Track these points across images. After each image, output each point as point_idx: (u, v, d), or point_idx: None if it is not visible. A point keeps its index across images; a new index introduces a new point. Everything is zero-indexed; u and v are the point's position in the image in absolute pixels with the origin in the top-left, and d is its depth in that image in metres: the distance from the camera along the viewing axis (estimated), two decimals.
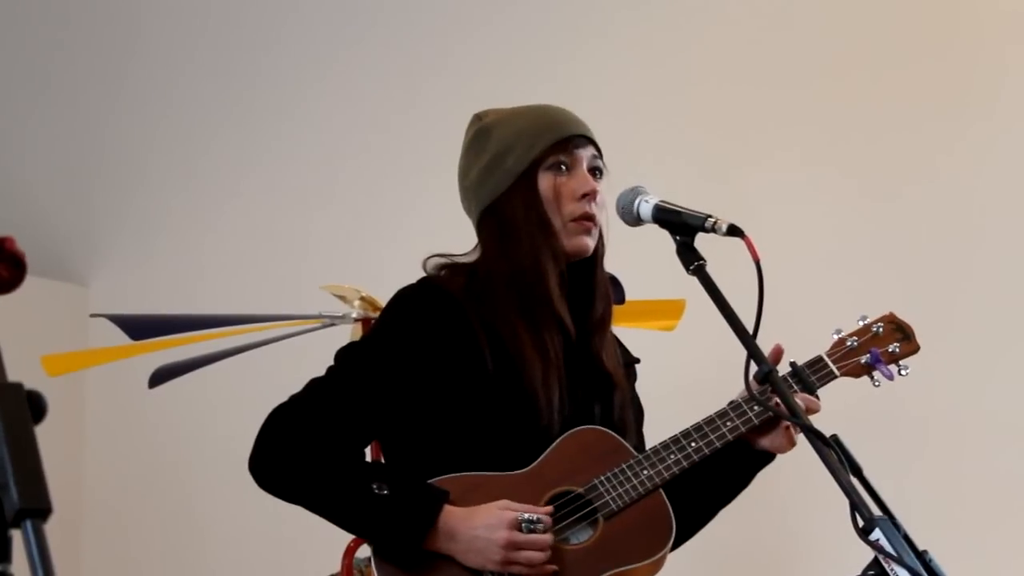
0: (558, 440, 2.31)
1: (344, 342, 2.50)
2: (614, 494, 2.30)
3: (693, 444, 2.34)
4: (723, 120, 4.28)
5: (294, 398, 2.33)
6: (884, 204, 4.07)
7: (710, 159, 4.27)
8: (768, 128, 4.23)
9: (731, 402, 2.39)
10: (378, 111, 4.86)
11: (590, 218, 2.37)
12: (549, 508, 2.27)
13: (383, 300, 2.48)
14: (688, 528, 2.42)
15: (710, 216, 2.16)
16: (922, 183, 4.03)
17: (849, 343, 2.45)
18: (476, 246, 2.44)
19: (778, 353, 2.36)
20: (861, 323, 2.48)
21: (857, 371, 2.45)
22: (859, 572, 1.92)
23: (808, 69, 4.20)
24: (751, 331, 2.06)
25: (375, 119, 4.86)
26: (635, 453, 2.35)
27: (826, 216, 4.13)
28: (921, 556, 1.96)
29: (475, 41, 4.71)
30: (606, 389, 2.41)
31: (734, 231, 2.12)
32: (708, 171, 4.21)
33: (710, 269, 2.16)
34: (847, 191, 4.12)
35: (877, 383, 2.46)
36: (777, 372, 2.09)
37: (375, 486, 2.24)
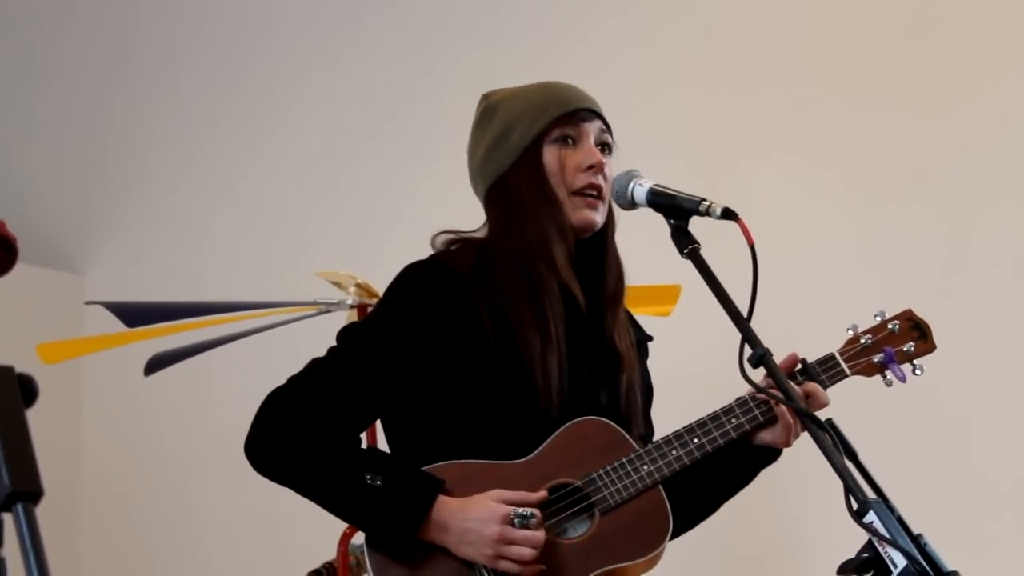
0: (559, 430, 2.28)
1: None
2: (612, 489, 2.26)
3: (696, 440, 2.29)
4: (720, 117, 4.28)
5: (292, 380, 2.30)
6: (882, 200, 4.07)
7: (706, 156, 4.26)
8: (768, 124, 4.22)
9: (738, 399, 2.33)
10: (375, 100, 4.85)
11: (596, 189, 2.34)
12: (543, 495, 2.24)
13: (379, 287, 2.47)
14: (688, 521, 2.39)
15: (704, 199, 2.15)
16: (920, 181, 4.02)
17: (863, 340, 2.39)
18: (484, 223, 2.41)
19: (792, 362, 2.33)
20: (878, 319, 2.42)
21: (869, 370, 2.39)
22: (853, 555, 1.92)
23: (805, 68, 4.20)
24: (745, 315, 2.05)
25: (372, 108, 4.85)
26: (636, 447, 2.31)
27: (825, 213, 4.13)
28: (916, 539, 1.96)
29: (474, 32, 4.70)
30: (614, 370, 2.37)
31: (728, 214, 2.10)
32: (703, 167, 4.20)
33: (704, 253, 2.15)
34: (846, 189, 4.11)
35: (889, 383, 2.40)
36: (771, 355, 2.06)
37: (368, 476, 2.21)
